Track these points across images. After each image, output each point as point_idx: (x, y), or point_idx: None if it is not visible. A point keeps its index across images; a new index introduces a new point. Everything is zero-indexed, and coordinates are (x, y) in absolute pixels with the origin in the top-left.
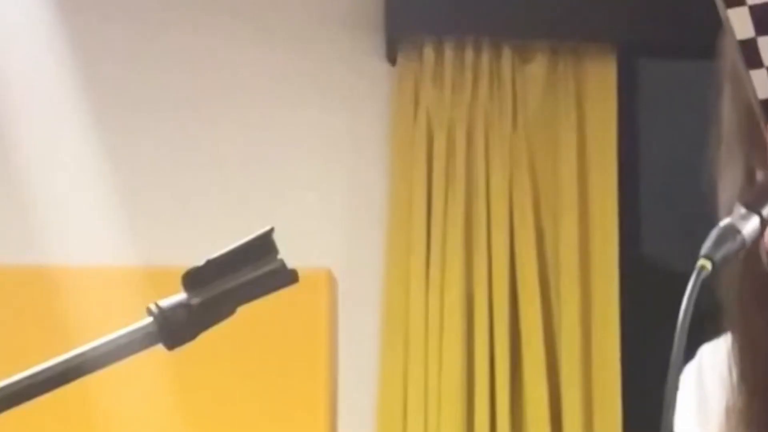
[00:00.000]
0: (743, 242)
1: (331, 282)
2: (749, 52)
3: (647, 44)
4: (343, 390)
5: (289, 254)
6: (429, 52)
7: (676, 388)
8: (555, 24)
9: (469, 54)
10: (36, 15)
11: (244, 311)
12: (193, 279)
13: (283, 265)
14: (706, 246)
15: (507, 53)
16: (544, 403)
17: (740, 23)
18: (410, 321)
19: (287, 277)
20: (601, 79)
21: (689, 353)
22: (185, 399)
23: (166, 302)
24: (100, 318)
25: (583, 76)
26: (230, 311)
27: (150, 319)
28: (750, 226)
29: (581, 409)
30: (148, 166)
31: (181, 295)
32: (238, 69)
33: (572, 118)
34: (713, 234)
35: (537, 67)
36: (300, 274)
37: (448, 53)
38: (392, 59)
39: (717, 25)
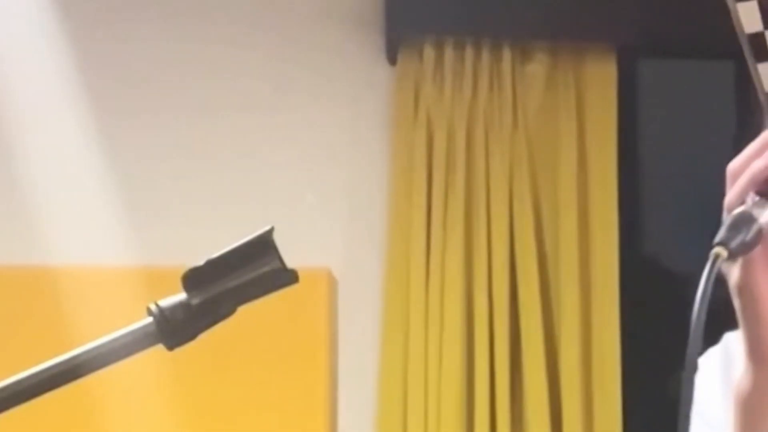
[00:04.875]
0: (760, 231)
1: (331, 282)
2: (757, 45)
3: (647, 44)
4: (343, 390)
5: (289, 254)
6: (429, 52)
7: (692, 385)
8: (555, 24)
9: (469, 54)
10: (37, 16)
11: (244, 311)
12: (193, 279)
13: (283, 265)
14: (720, 233)
15: (507, 53)
16: (544, 403)
17: (749, 17)
18: (410, 321)
19: (287, 277)
20: (601, 79)
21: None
22: (185, 399)
23: (166, 302)
24: (100, 318)
25: (583, 76)
26: (230, 311)
27: (150, 319)
28: (767, 214)
29: (581, 409)
30: (148, 166)
31: (181, 295)
32: (238, 69)
33: (572, 118)
34: (727, 221)
35: (537, 67)
36: (300, 274)
37: (448, 53)
38: (392, 59)
39: (717, 26)
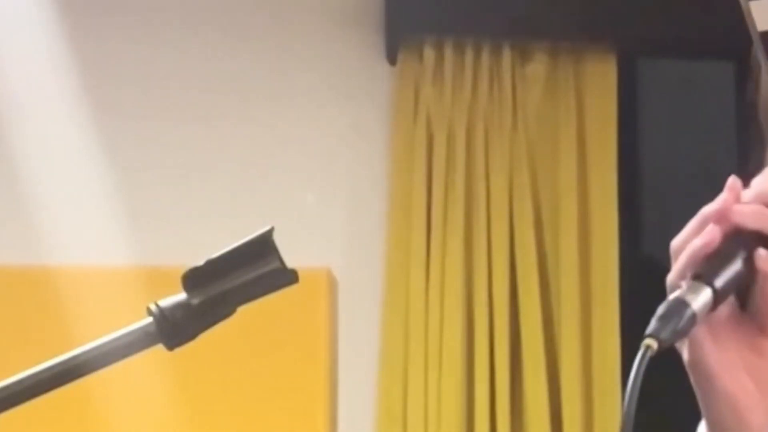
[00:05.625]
0: (693, 317)
1: (331, 282)
2: None
3: (647, 44)
4: (343, 390)
5: (289, 254)
6: (429, 52)
7: None
8: (555, 24)
9: (469, 54)
10: (37, 15)
11: (244, 311)
12: (193, 279)
13: (283, 265)
14: (651, 324)
15: (507, 53)
16: (544, 403)
17: (762, 14)
18: (410, 321)
19: (287, 277)
20: (601, 79)
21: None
22: (185, 399)
23: (166, 302)
24: (100, 318)
25: (583, 76)
26: (230, 311)
27: (150, 319)
28: (701, 299)
29: (581, 409)
30: (148, 166)
31: (181, 295)
32: (238, 69)
33: (572, 118)
34: (659, 310)
35: (537, 67)
36: (300, 274)
37: (448, 53)
38: (392, 59)
39: (717, 26)
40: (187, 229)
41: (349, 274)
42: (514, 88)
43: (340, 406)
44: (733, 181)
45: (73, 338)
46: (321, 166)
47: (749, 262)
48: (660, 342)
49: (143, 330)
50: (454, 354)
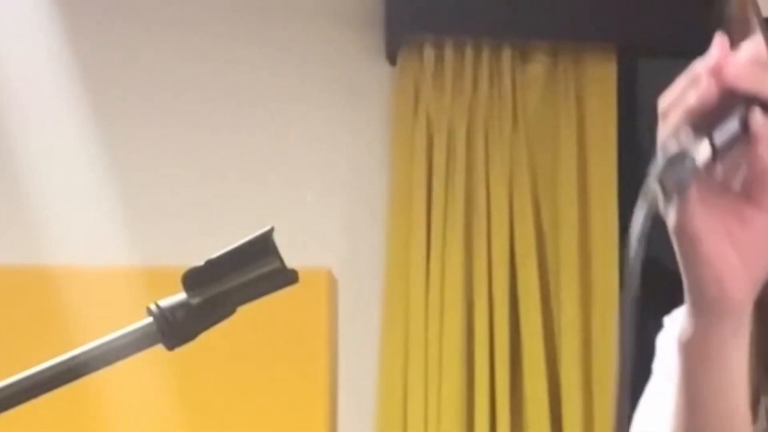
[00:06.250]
0: (695, 169)
1: (331, 282)
2: None
3: (647, 44)
4: (343, 390)
5: (289, 254)
6: (429, 52)
7: (629, 374)
8: (555, 24)
9: (469, 54)
10: (37, 14)
11: (244, 311)
12: (193, 279)
13: (283, 265)
14: (656, 171)
15: (507, 53)
16: (544, 403)
17: None
18: (410, 321)
19: (287, 277)
20: (601, 79)
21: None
22: (185, 399)
23: (166, 302)
24: (100, 318)
25: (583, 76)
26: (230, 311)
27: (150, 319)
28: (702, 151)
29: (581, 409)
30: (148, 165)
31: (181, 295)
32: (238, 69)
33: (572, 118)
34: (660, 159)
35: (537, 67)
36: (300, 274)
37: (448, 53)
38: (392, 59)
39: (717, 26)
40: (187, 229)
41: (349, 274)
42: (514, 88)
43: (340, 406)
44: (721, 38)
45: (73, 338)
46: (321, 166)
47: (743, 126)
48: (665, 192)
49: (143, 330)
50: (454, 354)
